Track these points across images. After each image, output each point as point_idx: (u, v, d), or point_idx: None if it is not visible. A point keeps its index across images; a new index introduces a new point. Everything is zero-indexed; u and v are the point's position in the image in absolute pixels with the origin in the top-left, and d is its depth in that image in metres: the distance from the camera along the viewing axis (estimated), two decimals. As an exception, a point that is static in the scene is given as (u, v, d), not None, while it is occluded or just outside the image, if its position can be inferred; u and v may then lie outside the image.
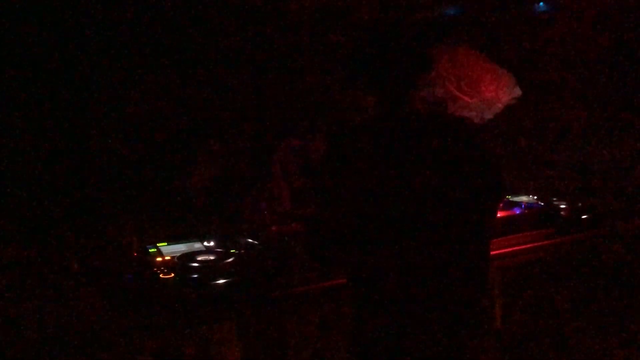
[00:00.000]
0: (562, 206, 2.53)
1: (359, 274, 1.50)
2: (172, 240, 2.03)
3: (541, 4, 3.10)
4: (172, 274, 1.74)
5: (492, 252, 2.10)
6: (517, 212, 2.44)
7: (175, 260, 1.82)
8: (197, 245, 2.00)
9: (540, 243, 2.36)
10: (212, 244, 2.00)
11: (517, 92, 2.46)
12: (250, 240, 2.00)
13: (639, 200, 2.90)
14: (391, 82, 1.51)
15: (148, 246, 1.98)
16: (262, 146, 2.51)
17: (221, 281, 1.73)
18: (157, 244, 2.00)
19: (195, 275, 1.74)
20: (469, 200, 1.47)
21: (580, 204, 2.58)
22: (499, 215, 2.38)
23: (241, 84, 2.51)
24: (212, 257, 1.83)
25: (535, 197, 2.66)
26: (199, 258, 1.82)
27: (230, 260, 1.80)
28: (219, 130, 2.46)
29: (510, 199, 2.60)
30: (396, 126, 1.49)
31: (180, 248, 1.96)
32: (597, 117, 3.11)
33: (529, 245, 2.33)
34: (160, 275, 1.74)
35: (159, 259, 1.87)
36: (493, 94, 2.34)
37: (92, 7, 2.14)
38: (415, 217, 1.42)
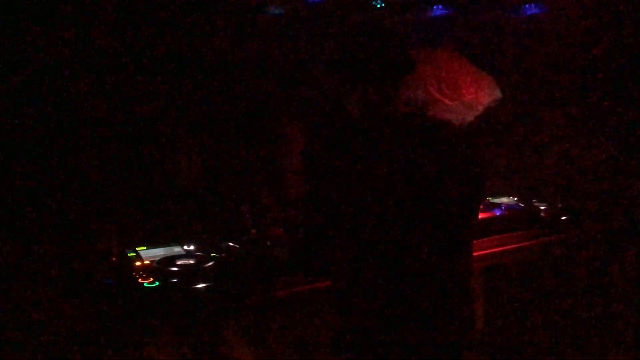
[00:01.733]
0: (542, 207, 2.56)
1: (341, 275, 1.49)
2: (151, 245, 2.00)
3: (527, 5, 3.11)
4: (152, 278, 1.72)
5: (473, 254, 2.12)
6: (498, 214, 2.46)
7: (155, 264, 1.80)
8: (177, 249, 1.97)
9: (520, 244, 2.38)
10: (192, 247, 1.98)
11: (498, 94, 2.47)
12: (230, 244, 1.99)
13: (616, 201, 2.94)
14: (375, 83, 1.51)
15: (127, 250, 1.96)
16: (244, 148, 2.50)
17: (201, 285, 1.71)
18: (136, 248, 1.97)
19: (175, 280, 1.72)
20: (449, 202, 1.47)
21: (559, 205, 2.61)
22: (479, 216, 2.40)
23: (222, 85, 2.49)
24: (192, 261, 1.81)
25: (516, 199, 2.68)
26: (179, 262, 1.80)
27: (210, 264, 1.79)
28: (199, 132, 2.44)
29: (491, 201, 2.62)
30: (379, 128, 1.49)
31: (160, 252, 1.94)
32: (576, 119, 3.15)
33: (509, 246, 2.35)
34: (140, 280, 1.72)
35: (138, 263, 1.85)
36: (473, 96, 2.35)
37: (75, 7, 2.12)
38: (396, 218, 1.42)
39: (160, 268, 1.77)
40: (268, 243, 1.96)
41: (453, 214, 1.49)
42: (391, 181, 1.42)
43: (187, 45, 2.39)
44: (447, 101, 2.27)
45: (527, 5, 3.12)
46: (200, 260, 1.82)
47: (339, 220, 1.43)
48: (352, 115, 1.54)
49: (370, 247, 1.43)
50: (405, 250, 1.43)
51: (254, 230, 2.02)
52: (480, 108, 2.43)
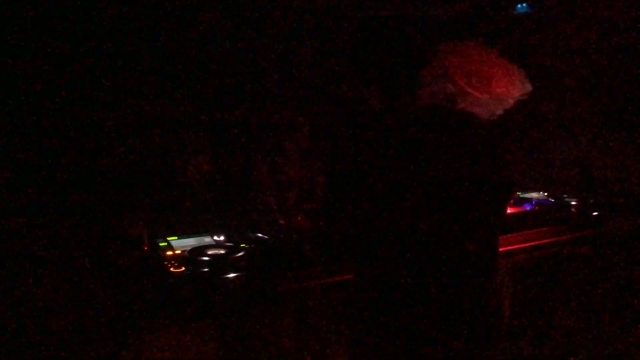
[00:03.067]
0: (573, 203, 2.52)
1: (366, 269, 1.50)
2: (182, 234, 2.04)
3: (524, 4, 3.06)
4: (183, 268, 1.75)
5: (503, 249, 2.10)
6: (528, 209, 2.44)
7: (186, 254, 1.83)
8: (207, 239, 2.01)
9: (550, 239, 2.35)
10: (222, 238, 2.01)
11: (528, 88, 2.44)
12: (259, 234, 2.01)
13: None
14: (394, 77, 1.51)
15: (158, 240, 2.00)
16: (269, 141, 2.51)
17: (231, 275, 1.74)
18: (168, 238, 2.01)
19: (206, 269, 1.75)
20: (477, 197, 1.46)
21: (590, 201, 2.57)
22: (509, 211, 2.38)
23: (244, 78, 2.50)
24: (222, 251, 1.84)
25: (546, 194, 2.65)
26: (209, 252, 1.83)
27: (240, 254, 1.81)
28: (227, 124, 2.47)
29: (521, 196, 2.59)
30: (400, 122, 1.49)
31: (191, 242, 1.97)
32: (607, 114, 3.09)
33: (539, 242, 2.32)
34: (171, 269, 1.76)
35: (169, 252, 1.89)
36: (504, 89, 2.31)
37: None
38: (423, 213, 1.42)
39: (191, 257, 1.80)
40: (295, 236, 1.97)
41: (481, 208, 1.48)
42: (417, 175, 1.41)
43: (206, 40, 2.41)
44: (476, 94, 2.24)
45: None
46: (230, 251, 1.84)
47: (364, 212, 1.44)
48: (374, 110, 1.54)
49: (394, 241, 1.43)
50: (430, 243, 1.43)
51: (282, 221, 2.04)
52: (511, 102, 2.39)
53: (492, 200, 1.51)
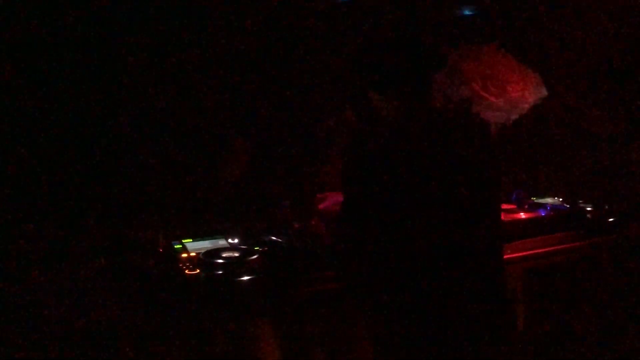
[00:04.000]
0: (589, 209, 2.50)
1: (375, 275, 1.49)
2: (197, 237, 2.05)
3: None
4: (197, 270, 1.76)
5: (517, 254, 2.09)
6: (543, 214, 2.42)
7: (200, 256, 1.84)
8: (221, 242, 2.02)
9: (565, 246, 2.33)
10: (236, 240, 2.02)
11: (544, 92, 2.42)
12: (273, 237, 2.01)
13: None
14: (407, 81, 1.51)
15: (173, 242, 2.01)
16: (283, 144, 2.52)
17: (246, 278, 1.74)
18: (182, 240, 2.02)
19: (220, 272, 1.75)
20: (481, 199, 1.46)
21: (607, 207, 2.54)
22: (524, 216, 2.37)
23: (262, 81, 2.51)
24: (236, 254, 1.84)
25: (561, 199, 2.63)
26: (224, 255, 1.83)
27: (254, 257, 1.81)
28: (244, 127, 2.48)
29: (536, 201, 2.58)
30: (412, 124, 1.48)
31: (205, 244, 1.98)
32: (624, 118, 3.06)
33: (554, 248, 2.30)
34: (186, 271, 1.76)
35: (184, 255, 1.89)
36: (519, 94, 2.31)
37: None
38: (431, 212, 1.42)
39: (205, 260, 1.80)
40: (310, 240, 1.97)
41: (483, 211, 1.48)
42: (424, 177, 1.41)
43: (226, 43, 2.42)
44: (492, 99, 2.24)
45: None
46: (245, 253, 1.84)
47: (375, 215, 1.44)
48: (388, 116, 1.54)
49: (404, 244, 1.43)
50: (438, 249, 1.43)
51: (296, 225, 2.04)
52: (526, 106, 2.39)
53: (492, 202, 1.52)
